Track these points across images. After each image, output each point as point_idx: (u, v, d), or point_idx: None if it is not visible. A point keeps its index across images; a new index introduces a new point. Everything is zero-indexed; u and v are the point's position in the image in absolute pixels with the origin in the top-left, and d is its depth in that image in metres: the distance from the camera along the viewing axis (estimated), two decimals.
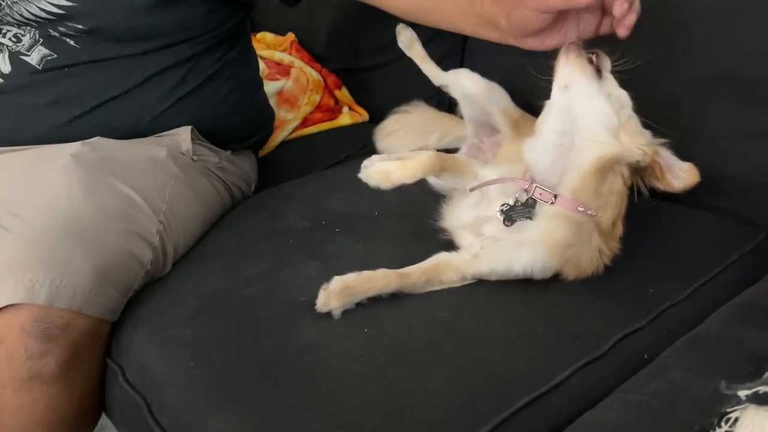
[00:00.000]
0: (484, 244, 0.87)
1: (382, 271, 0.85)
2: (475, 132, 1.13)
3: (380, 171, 0.87)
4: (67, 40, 1.01)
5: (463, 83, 1.10)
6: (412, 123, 1.28)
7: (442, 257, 0.89)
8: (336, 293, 0.82)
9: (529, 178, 0.85)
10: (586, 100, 0.83)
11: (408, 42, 1.23)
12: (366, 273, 0.84)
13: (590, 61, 0.84)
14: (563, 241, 0.83)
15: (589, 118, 0.83)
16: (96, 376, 0.92)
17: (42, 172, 0.95)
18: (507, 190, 0.87)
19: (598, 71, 0.84)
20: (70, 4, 0.98)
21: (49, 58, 1.01)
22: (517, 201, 0.85)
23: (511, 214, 0.85)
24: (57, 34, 1.01)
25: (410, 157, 0.89)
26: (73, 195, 0.89)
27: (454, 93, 1.15)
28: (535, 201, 0.84)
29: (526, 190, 0.84)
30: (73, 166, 0.93)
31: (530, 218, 0.84)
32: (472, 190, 0.88)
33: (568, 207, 0.83)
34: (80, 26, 1.00)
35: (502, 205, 0.85)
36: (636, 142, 0.82)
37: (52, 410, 0.85)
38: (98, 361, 0.92)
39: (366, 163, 1.01)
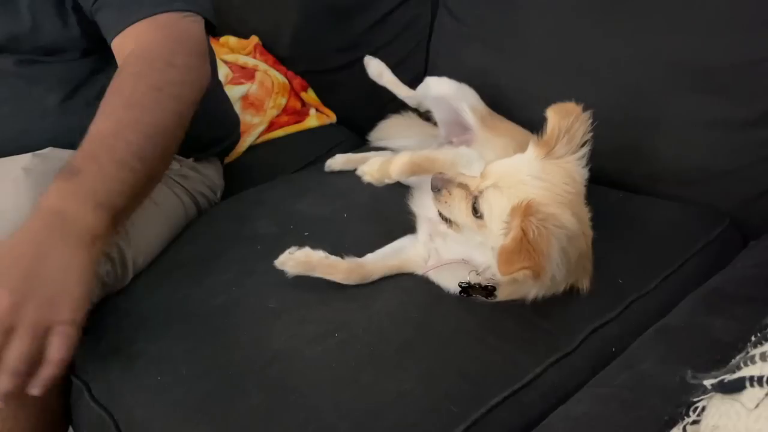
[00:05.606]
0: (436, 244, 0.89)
1: (347, 265, 0.87)
2: (447, 133, 1.15)
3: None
4: None
5: (431, 87, 1.14)
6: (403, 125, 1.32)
7: (404, 257, 0.90)
8: (296, 263, 0.86)
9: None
10: None
11: (377, 71, 1.27)
12: (332, 260, 0.87)
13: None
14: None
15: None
16: (56, 392, 0.89)
17: None
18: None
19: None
20: None
21: None
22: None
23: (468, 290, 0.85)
24: None
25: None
26: (22, 212, 0.86)
27: (427, 102, 1.18)
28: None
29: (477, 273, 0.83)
30: (23, 180, 0.89)
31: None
32: (424, 273, 0.89)
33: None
34: None
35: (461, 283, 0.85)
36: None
37: (10, 429, 0.83)
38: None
39: (329, 162, 1.18)
